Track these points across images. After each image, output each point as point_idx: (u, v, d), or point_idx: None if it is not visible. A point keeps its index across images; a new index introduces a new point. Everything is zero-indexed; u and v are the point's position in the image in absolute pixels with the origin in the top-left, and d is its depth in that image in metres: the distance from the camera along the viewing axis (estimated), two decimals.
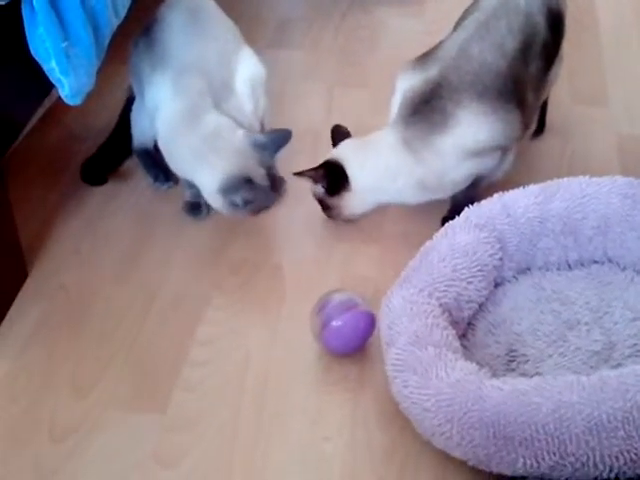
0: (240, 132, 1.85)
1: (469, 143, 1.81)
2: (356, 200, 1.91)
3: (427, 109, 1.81)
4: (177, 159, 1.91)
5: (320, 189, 1.93)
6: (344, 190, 1.90)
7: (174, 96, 1.86)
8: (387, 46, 2.61)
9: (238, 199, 1.81)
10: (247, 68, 1.95)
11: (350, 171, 1.88)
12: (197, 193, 2.00)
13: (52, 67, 1.65)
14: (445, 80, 1.82)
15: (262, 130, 1.99)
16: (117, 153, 2.14)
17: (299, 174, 1.91)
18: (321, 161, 1.92)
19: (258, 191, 1.82)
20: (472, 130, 1.80)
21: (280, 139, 1.85)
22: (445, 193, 1.90)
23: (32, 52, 1.66)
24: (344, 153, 1.91)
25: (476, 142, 1.81)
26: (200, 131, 1.84)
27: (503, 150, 1.88)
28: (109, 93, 2.31)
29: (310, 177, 1.92)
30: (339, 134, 1.98)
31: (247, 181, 1.81)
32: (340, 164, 1.89)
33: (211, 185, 1.83)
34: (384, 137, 1.87)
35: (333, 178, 1.90)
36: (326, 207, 1.96)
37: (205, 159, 1.84)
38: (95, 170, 2.12)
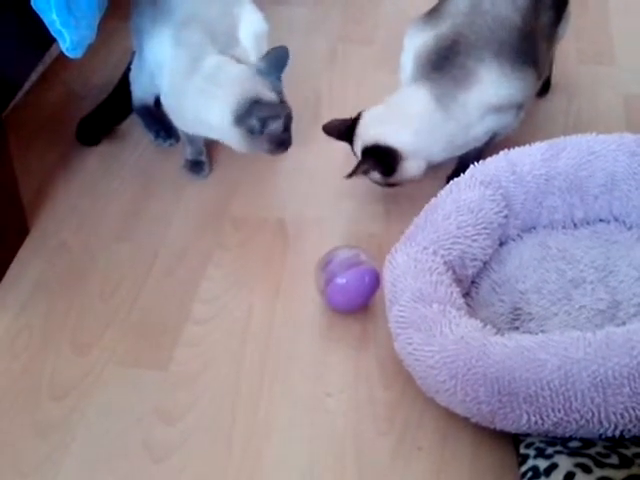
0: (242, 65, 1.82)
1: (492, 99, 1.79)
2: (413, 166, 1.83)
3: (447, 65, 1.79)
4: (183, 112, 1.88)
5: (377, 175, 1.85)
6: (399, 164, 1.82)
7: (175, 50, 1.83)
8: (393, 1, 2.58)
9: (254, 121, 1.76)
10: (250, 23, 1.91)
11: (395, 142, 1.80)
12: (199, 151, 1.99)
13: (53, 19, 1.64)
14: (460, 36, 1.79)
15: None
16: (115, 113, 2.12)
17: (351, 175, 1.81)
18: (358, 144, 1.84)
19: (272, 109, 1.78)
20: (494, 86, 1.78)
21: (279, 59, 1.82)
22: (463, 150, 1.88)
23: (32, 4, 1.64)
24: (379, 129, 1.82)
25: (498, 98, 1.80)
26: (202, 72, 1.81)
27: (519, 106, 1.86)
28: (109, 51, 2.30)
29: (364, 172, 1.83)
30: (334, 129, 1.89)
31: (258, 102, 1.77)
32: (382, 145, 1.80)
33: (225, 119, 1.79)
34: (415, 96, 1.81)
35: (384, 159, 1.81)
36: (390, 185, 1.88)
37: (212, 96, 1.80)
38: (90, 129, 2.10)
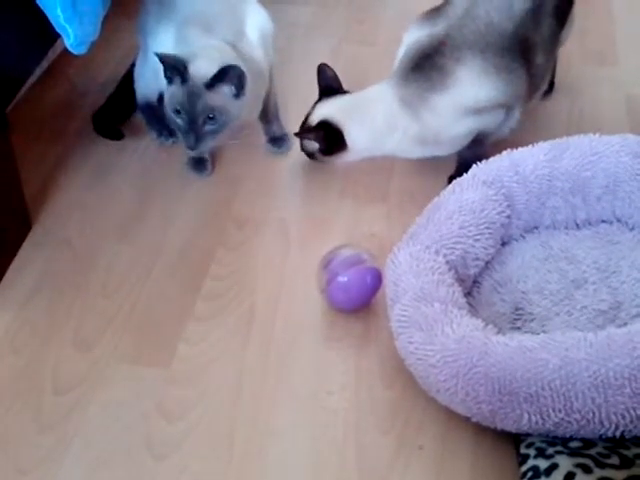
0: (227, 48, 1.81)
1: (468, 101, 1.81)
2: (350, 157, 1.92)
3: (427, 65, 1.81)
4: None
5: (314, 146, 1.91)
6: (340, 151, 1.89)
7: (177, 47, 1.83)
8: (397, 2, 2.58)
9: (169, 73, 1.76)
10: (256, 21, 1.92)
11: (348, 134, 1.87)
12: None
13: (57, 14, 1.64)
14: (449, 38, 1.81)
15: (270, 82, 1.98)
16: (127, 103, 2.12)
17: (299, 135, 1.92)
18: (315, 115, 1.91)
19: (178, 68, 1.74)
20: (472, 88, 1.80)
21: (227, 73, 1.75)
22: (446, 149, 1.89)
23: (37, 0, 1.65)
24: (341, 114, 1.88)
25: (476, 100, 1.81)
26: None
27: (507, 108, 1.86)
28: (113, 48, 2.31)
29: (310, 138, 1.91)
30: (325, 76, 1.95)
31: (178, 66, 1.74)
32: (338, 127, 1.87)
33: None
34: (380, 95, 1.86)
35: (330, 140, 1.88)
36: (315, 159, 1.96)
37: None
38: (107, 122, 2.11)
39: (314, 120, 1.91)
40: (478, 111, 1.82)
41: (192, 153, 1.97)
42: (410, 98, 1.82)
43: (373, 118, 1.87)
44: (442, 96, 1.80)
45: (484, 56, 1.79)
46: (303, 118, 1.94)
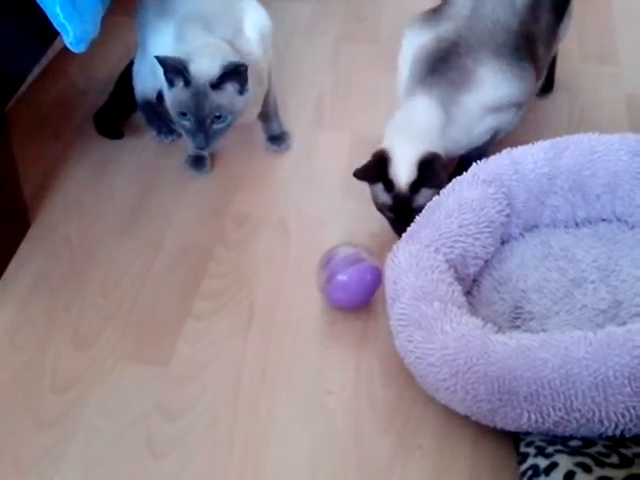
0: (225, 45, 1.80)
1: (491, 99, 1.80)
2: None
3: (446, 68, 1.79)
4: None
5: (429, 193, 1.74)
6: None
7: (176, 44, 1.83)
8: (397, 0, 2.58)
9: (166, 70, 1.74)
10: (255, 19, 1.92)
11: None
12: None
13: (56, 12, 1.63)
14: (461, 38, 1.80)
15: (269, 81, 1.97)
16: (127, 102, 2.11)
17: (439, 183, 1.73)
18: (405, 168, 1.74)
19: (179, 68, 1.72)
20: (493, 87, 1.79)
21: (231, 70, 1.74)
22: (464, 150, 1.87)
23: None
24: (422, 142, 1.75)
25: (497, 98, 1.80)
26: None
27: (519, 105, 1.86)
28: (112, 45, 2.30)
29: (439, 184, 1.73)
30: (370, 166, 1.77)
31: (179, 67, 1.73)
32: (437, 154, 1.75)
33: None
34: (422, 107, 1.78)
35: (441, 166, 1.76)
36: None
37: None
38: (108, 121, 2.11)
39: (409, 168, 1.73)
40: (498, 109, 1.82)
41: (202, 152, 1.97)
42: (442, 100, 1.78)
43: (431, 131, 1.77)
44: (469, 95, 1.78)
45: (498, 56, 1.79)
46: (392, 203, 1.76)
